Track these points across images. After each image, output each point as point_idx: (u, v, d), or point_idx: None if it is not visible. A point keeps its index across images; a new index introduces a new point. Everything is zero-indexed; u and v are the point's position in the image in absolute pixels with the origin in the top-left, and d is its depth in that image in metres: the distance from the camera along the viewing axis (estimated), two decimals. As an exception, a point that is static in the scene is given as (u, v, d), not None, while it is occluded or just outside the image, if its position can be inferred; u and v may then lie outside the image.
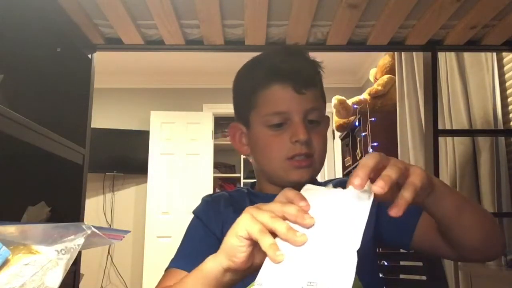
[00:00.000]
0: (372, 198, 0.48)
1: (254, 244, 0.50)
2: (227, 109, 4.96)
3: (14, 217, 1.16)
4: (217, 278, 0.54)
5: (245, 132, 0.84)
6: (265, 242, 0.47)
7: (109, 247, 4.01)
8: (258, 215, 0.50)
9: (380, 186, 0.47)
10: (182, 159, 4.12)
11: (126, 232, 0.65)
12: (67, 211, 1.25)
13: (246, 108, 0.81)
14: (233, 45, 1.45)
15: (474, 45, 1.47)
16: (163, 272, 0.79)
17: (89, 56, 1.43)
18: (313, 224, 0.47)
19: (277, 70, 0.77)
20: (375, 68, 3.12)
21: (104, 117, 3.98)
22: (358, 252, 0.44)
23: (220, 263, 0.53)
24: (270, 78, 0.77)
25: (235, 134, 0.86)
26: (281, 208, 0.50)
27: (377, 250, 0.88)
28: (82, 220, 1.30)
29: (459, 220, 0.63)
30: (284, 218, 0.49)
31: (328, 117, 0.86)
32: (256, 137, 0.81)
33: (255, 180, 0.89)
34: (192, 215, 0.86)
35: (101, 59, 1.52)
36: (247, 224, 0.50)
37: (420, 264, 1.09)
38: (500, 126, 1.80)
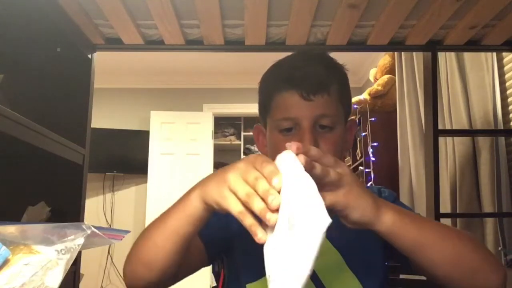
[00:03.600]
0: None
1: None
2: (227, 109, 4.92)
3: (14, 217, 1.17)
4: (202, 219, 0.59)
5: (264, 134, 0.87)
6: (257, 205, 0.49)
7: (109, 247, 4.01)
8: (247, 177, 0.53)
9: (297, 146, 0.53)
10: (182, 159, 4.11)
11: (126, 232, 0.65)
12: (67, 211, 1.26)
13: (264, 111, 0.84)
14: (233, 45, 1.45)
15: (474, 45, 1.47)
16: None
17: (89, 56, 1.43)
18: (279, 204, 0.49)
19: (287, 76, 0.78)
20: (375, 68, 3.12)
21: (104, 117, 3.97)
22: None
23: (207, 208, 0.57)
24: (280, 84, 0.78)
25: (259, 135, 0.89)
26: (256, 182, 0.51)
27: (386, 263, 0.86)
28: (82, 220, 1.30)
29: (421, 254, 0.61)
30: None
31: (352, 121, 0.86)
32: (270, 140, 0.83)
33: None
34: None
35: (101, 59, 1.52)
36: (236, 186, 0.53)
37: (420, 264, 1.08)
38: (500, 126, 1.80)
